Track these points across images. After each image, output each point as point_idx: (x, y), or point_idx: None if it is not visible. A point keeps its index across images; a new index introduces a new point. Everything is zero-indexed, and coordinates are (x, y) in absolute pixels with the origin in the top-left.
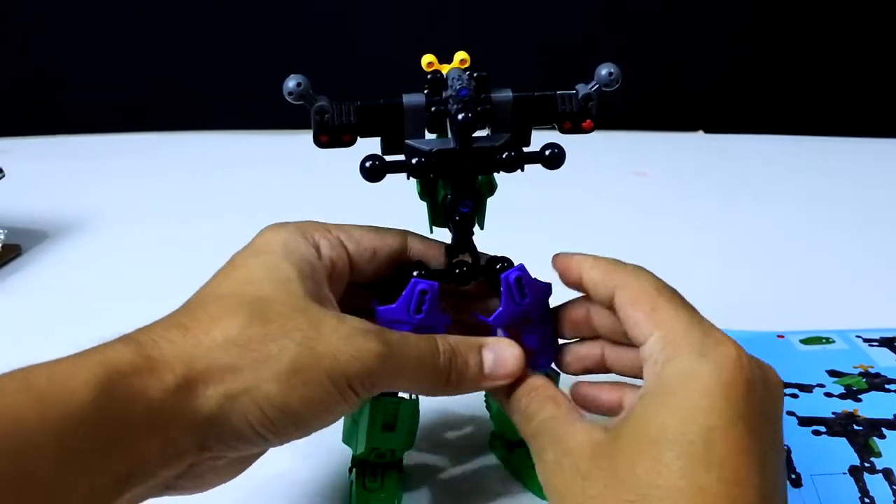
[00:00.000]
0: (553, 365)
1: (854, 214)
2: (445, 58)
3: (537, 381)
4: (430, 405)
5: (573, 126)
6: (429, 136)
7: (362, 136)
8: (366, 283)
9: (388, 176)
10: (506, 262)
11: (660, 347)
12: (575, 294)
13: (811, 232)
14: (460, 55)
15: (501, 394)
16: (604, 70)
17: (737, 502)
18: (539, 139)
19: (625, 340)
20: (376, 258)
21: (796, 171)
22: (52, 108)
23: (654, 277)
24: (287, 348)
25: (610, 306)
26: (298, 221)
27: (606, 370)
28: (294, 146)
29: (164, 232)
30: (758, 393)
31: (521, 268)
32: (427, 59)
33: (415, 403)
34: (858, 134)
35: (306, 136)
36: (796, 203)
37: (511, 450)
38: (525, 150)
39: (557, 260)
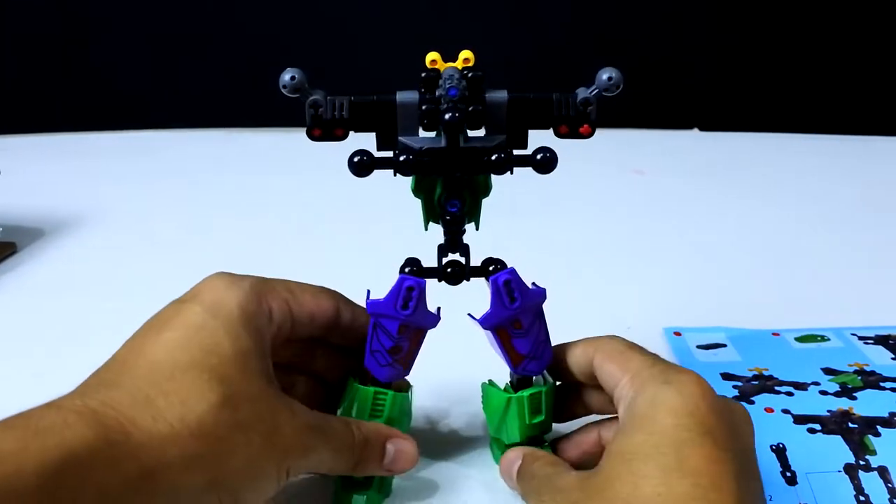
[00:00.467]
0: (545, 372)
1: (849, 212)
2: (451, 56)
3: (538, 453)
4: (430, 404)
5: (570, 130)
6: (425, 133)
7: (355, 130)
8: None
9: (387, 172)
10: (499, 264)
11: (629, 386)
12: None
13: (806, 229)
14: (464, 54)
15: (506, 475)
16: (605, 75)
17: None
18: (540, 141)
19: (613, 411)
20: (313, 322)
21: (791, 169)
22: (48, 106)
23: (625, 339)
24: (252, 441)
25: (592, 376)
26: (252, 279)
27: (602, 451)
28: (293, 145)
29: (161, 230)
30: (722, 413)
31: (512, 271)
32: (430, 57)
33: (405, 398)
34: (854, 132)
35: (303, 134)
36: (791, 200)
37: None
38: (516, 152)
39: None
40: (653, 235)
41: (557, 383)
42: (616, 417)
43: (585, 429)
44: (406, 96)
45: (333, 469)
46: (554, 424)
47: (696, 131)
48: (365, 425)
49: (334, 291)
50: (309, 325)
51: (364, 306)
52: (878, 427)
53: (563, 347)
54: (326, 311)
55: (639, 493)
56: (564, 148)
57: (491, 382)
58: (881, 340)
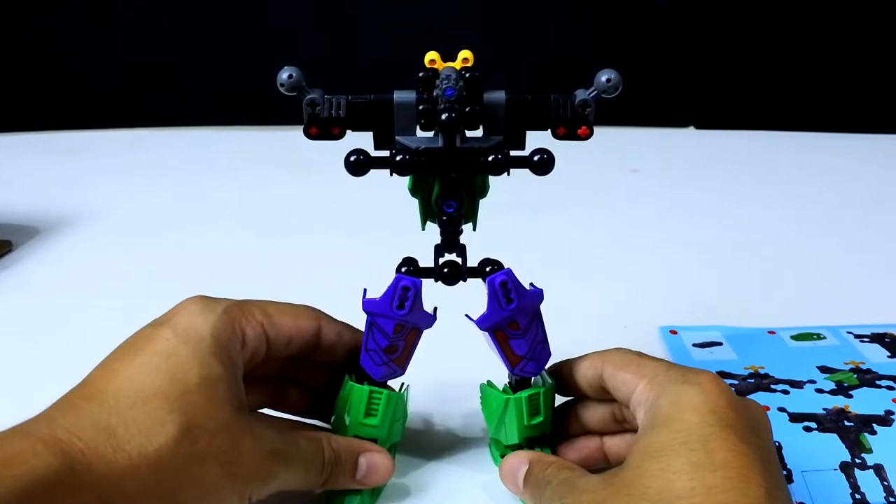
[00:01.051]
0: (544, 373)
1: (845, 210)
2: (451, 56)
3: (547, 458)
4: (428, 404)
5: (568, 132)
6: (423, 133)
7: (352, 129)
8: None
9: (386, 172)
10: (496, 264)
11: (648, 389)
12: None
13: (801, 227)
14: (463, 54)
15: (509, 481)
16: (603, 76)
17: (746, 497)
18: (538, 142)
19: (615, 428)
20: (291, 344)
21: (788, 167)
22: (44, 104)
23: (632, 350)
24: (210, 472)
25: (600, 387)
26: (226, 304)
27: (605, 460)
28: (290, 143)
29: (157, 228)
30: (741, 409)
31: (509, 272)
32: (429, 57)
33: (400, 397)
34: (850, 130)
35: (300, 133)
36: (787, 198)
37: (503, 455)
38: (513, 153)
39: (550, 371)
40: (648, 234)
41: (557, 404)
42: (619, 432)
43: (588, 434)
44: (403, 96)
45: (302, 486)
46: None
47: (691, 129)
48: (337, 440)
49: (316, 311)
50: (287, 347)
51: (350, 324)
52: (873, 425)
53: (570, 364)
54: (306, 333)
55: (672, 488)
56: (559, 146)
57: (490, 383)
58: (877, 338)
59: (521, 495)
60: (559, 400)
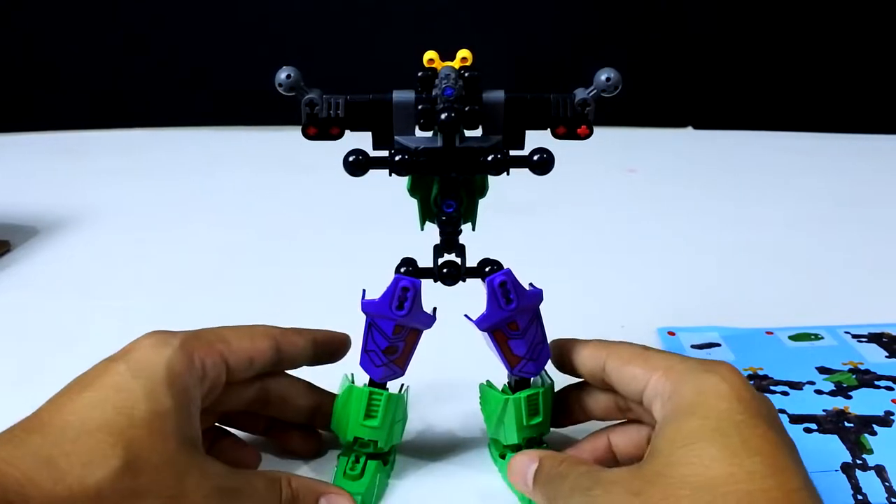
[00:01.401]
0: (544, 373)
1: (841, 210)
2: (450, 56)
3: (558, 454)
4: (428, 405)
5: (567, 131)
6: (422, 133)
7: (351, 129)
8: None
9: (385, 172)
10: (495, 265)
11: (664, 380)
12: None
13: (799, 228)
14: (462, 53)
15: (519, 480)
16: (603, 75)
17: (785, 485)
18: (537, 141)
19: (619, 417)
20: (252, 366)
21: (785, 167)
22: (44, 104)
23: (637, 344)
24: None
25: (601, 380)
26: (183, 336)
27: (614, 458)
28: (288, 143)
29: (155, 228)
30: (762, 399)
31: (508, 273)
32: (428, 56)
33: (400, 398)
34: (847, 130)
35: (299, 133)
36: (785, 199)
37: (503, 456)
38: (513, 153)
39: (553, 346)
40: (646, 234)
41: (557, 389)
42: (624, 423)
43: (595, 435)
44: (402, 96)
45: None
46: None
47: (689, 129)
48: (298, 480)
49: (271, 328)
50: (249, 368)
51: (301, 328)
52: (874, 426)
53: (571, 345)
54: (265, 353)
55: (711, 475)
56: (558, 146)
57: (489, 383)
58: (874, 338)
59: (530, 494)
60: (561, 384)
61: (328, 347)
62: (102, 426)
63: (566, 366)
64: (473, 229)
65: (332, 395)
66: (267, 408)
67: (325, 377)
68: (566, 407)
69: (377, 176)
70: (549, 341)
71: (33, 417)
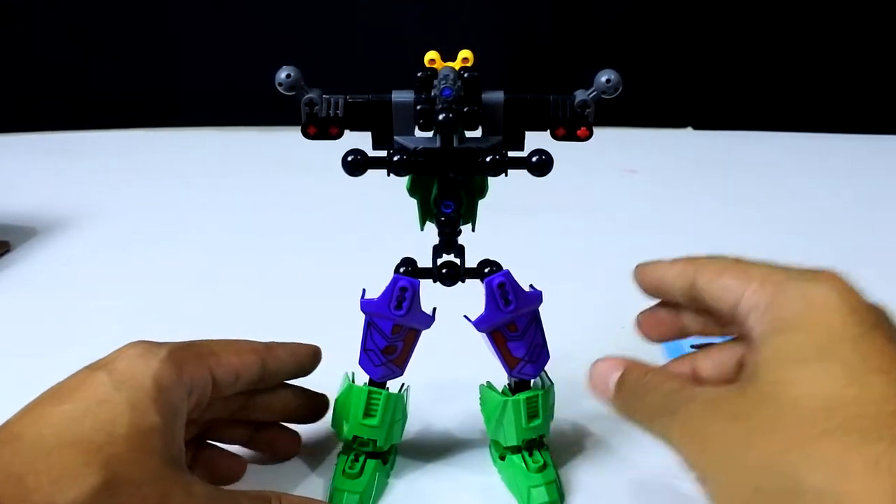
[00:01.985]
0: (544, 375)
1: (843, 210)
2: (451, 56)
3: (644, 365)
4: (427, 405)
5: (567, 133)
6: (422, 133)
7: (350, 129)
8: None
9: (384, 172)
10: (494, 266)
11: (761, 291)
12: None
13: (799, 228)
14: (463, 53)
15: (599, 385)
16: (603, 77)
17: None
18: (537, 143)
19: (715, 332)
20: (238, 381)
21: (785, 168)
22: (43, 104)
23: (729, 256)
24: None
25: (693, 298)
26: (171, 347)
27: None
28: (287, 143)
29: (154, 228)
30: (877, 309)
31: (507, 274)
32: (429, 56)
33: (399, 397)
34: (847, 130)
35: (298, 133)
36: (785, 199)
37: (503, 457)
38: (511, 154)
39: (637, 271)
40: (646, 234)
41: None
42: (712, 346)
43: (677, 361)
44: (401, 96)
45: None
46: (557, 416)
47: (689, 130)
48: (290, 499)
49: (257, 344)
50: (234, 384)
51: (288, 342)
52: None
53: (654, 267)
54: (251, 368)
55: (831, 395)
56: (557, 147)
57: (489, 384)
58: None
59: (610, 402)
60: (561, 386)
61: (304, 360)
62: (78, 441)
63: (652, 288)
64: (473, 230)
65: (308, 391)
66: (248, 413)
67: (326, 377)
68: (655, 319)
69: (377, 176)
70: (635, 267)
71: (4, 429)
